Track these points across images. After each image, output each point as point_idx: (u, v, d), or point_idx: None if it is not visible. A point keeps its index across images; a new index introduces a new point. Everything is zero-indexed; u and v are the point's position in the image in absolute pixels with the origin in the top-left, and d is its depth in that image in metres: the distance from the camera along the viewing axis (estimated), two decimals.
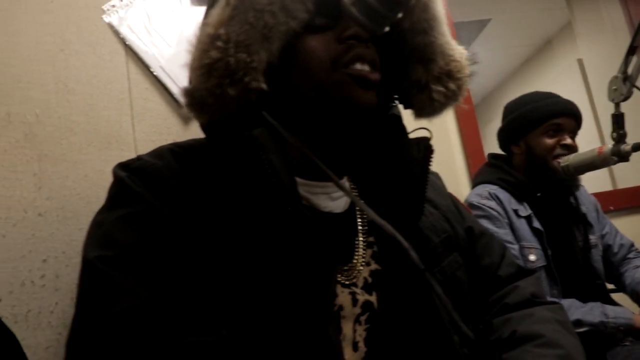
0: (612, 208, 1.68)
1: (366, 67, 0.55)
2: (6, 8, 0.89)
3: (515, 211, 1.18)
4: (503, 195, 1.20)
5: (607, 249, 1.30)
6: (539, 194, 1.20)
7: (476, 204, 1.17)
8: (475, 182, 1.29)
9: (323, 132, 0.57)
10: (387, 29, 0.51)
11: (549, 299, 0.74)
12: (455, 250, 0.67)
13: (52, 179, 0.88)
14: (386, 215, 0.55)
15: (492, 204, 1.17)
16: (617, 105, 0.94)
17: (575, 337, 0.61)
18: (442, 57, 0.62)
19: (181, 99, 0.57)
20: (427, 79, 0.62)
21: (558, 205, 1.21)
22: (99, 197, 0.90)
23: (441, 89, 0.62)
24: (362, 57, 0.55)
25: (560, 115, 1.24)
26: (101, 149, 0.93)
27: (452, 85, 0.62)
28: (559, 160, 1.19)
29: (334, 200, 0.61)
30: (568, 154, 1.19)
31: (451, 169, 1.51)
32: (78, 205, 0.89)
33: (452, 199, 0.76)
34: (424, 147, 0.62)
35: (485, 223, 1.13)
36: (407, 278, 0.58)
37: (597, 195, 1.43)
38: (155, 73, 1.00)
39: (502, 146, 1.34)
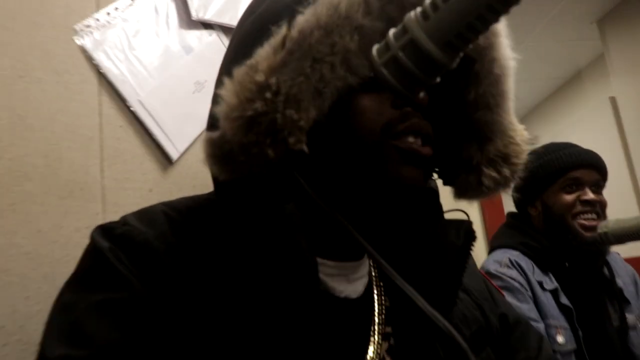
0: None
1: (419, 142, 0.51)
2: None
3: (540, 283, 1.08)
4: (526, 263, 1.10)
5: None
6: (567, 264, 1.10)
7: (495, 272, 1.07)
8: (494, 245, 1.20)
9: (355, 204, 0.53)
10: (422, 95, 0.49)
11: None
12: (488, 345, 0.61)
13: None
14: (409, 305, 0.50)
15: (514, 273, 1.07)
16: None
17: None
18: (501, 137, 0.59)
19: (205, 148, 0.50)
20: (479, 160, 0.58)
21: (589, 277, 1.11)
22: (54, 258, 0.78)
23: (494, 174, 0.58)
24: (417, 130, 0.51)
25: (579, 167, 1.16)
26: (61, 199, 0.81)
27: (506, 171, 0.59)
28: (583, 221, 1.10)
29: (351, 283, 0.56)
30: (592, 211, 1.10)
31: None
32: (26, 268, 0.76)
33: (485, 281, 0.70)
34: (465, 232, 0.57)
35: (505, 296, 1.02)
36: None
37: (634, 262, 1.32)
38: (132, 108, 0.89)
39: (518, 209, 1.25)
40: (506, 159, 0.59)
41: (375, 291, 0.59)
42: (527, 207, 1.22)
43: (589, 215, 1.12)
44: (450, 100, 0.53)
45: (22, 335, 0.74)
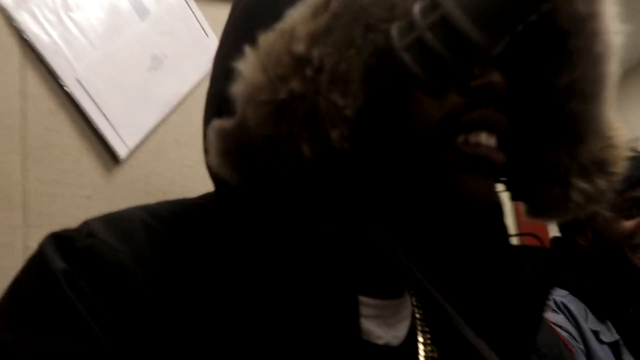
0: None
1: (492, 141, 0.42)
2: None
3: (596, 333, 0.89)
4: (577, 307, 0.91)
5: None
6: (631, 310, 0.89)
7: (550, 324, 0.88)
8: None
9: (402, 224, 0.44)
10: (498, 78, 0.40)
11: None
12: None
13: None
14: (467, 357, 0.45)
15: (560, 319, 0.88)
16: None
17: None
18: (597, 138, 0.47)
19: (212, 142, 0.39)
20: (568, 168, 0.48)
21: None
22: None
23: (586, 186, 0.48)
24: (489, 123, 0.41)
25: None
26: None
27: (601, 183, 0.48)
28: None
29: (392, 327, 0.47)
30: None
31: None
32: None
33: (555, 334, 0.66)
34: (542, 262, 0.51)
35: None
36: None
37: None
38: (66, 88, 0.73)
39: (564, 236, 1.05)
40: (602, 166, 0.48)
41: (421, 338, 0.50)
42: (576, 236, 1.02)
43: None
44: (534, 88, 0.45)
45: None
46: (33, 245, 0.36)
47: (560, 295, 0.93)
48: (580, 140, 0.47)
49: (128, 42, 0.76)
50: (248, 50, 0.37)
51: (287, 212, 0.42)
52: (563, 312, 0.90)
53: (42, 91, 0.71)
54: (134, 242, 0.40)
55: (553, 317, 0.88)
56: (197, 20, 0.84)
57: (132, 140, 0.75)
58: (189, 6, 0.83)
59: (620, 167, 0.48)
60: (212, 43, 0.86)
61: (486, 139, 0.42)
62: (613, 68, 0.44)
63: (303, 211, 0.41)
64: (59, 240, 0.38)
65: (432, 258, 0.48)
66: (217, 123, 0.38)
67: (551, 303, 0.91)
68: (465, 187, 0.41)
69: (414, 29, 0.35)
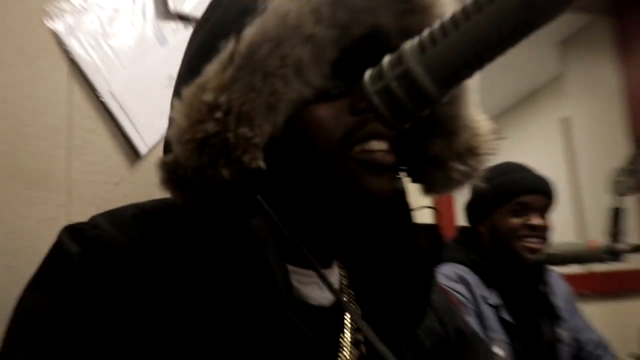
0: (585, 292, 1.65)
1: (382, 146, 0.50)
2: None
3: (484, 298, 1.17)
4: (473, 278, 1.19)
5: (576, 343, 1.33)
6: (511, 282, 1.19)
7: (442, 285, 1.15)
8: (443, 259, 1.27)
9: (319, 216, 0.54)
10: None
11: None
12: (446, 356, 0.65)
13: None
14: (380, 313, 0.54)
15: (460, 288, 1.16)
16: (619, 198, 0.95)
17: None
18: (466, 130, 0.58)
19: (159, 172, 0.48)
20: (447, 155, 0.58)
21: (527, 295, 1.22)
22: (16, 249, 0.78)
23: (462, 167, 0.58)
24: (378, 134, 0.49)
25: (529, 193, 1.25)
26: (25, 189, 0.81)
27: (473, 163, 0.59)
28: (527, 243, 1.20)
29: (322, 290, 0.56)
30: (536, 236, 1.20)
31: None
32: None
33: (444, 292, 0.74)
34: (434, 236, 0.58)
35: None
36: None
37: (569, 278, 1.43)
38: (103, 99, 0.89)
39: (469, 223, 1.33)
40: (472, 151, 0.59)
41: (346, 299, 0.60)
42: (477, 224, 1.31)
43: (534, 239, 1.22)
44: None
45: None
46: (74, 219, 0.49)
47: (462, 270, 1.21)
48: (453, 134, 0.57)
49: (151, 64, 0.94)
50: (176, 102, 0.46)
51: (223, 216, 0.50)
52: (463, 283, 1.18)
53: (83, 101, 0.87)
54: (127, 231, 0.49)
55: (455, 286, 1.16)
56: None
57: (151, 140, 0.93)
58: None
59: (487, 149, 0.59)
60: None
61: (378, 146, 0.49)
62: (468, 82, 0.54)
63: (235, 214, 0.48)
64: (73, 230, 0.49)
65: (347, 238, 0.57)
66: (161, 159, 0.48)
67: (455, 276, 1.20)
68: (364, 185, 0.50)
69: (382, 78, 0.43)
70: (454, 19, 0.40)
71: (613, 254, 0.92)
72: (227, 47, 0.45)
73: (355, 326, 0.58)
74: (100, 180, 0.89)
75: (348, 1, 0.47)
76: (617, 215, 0.93)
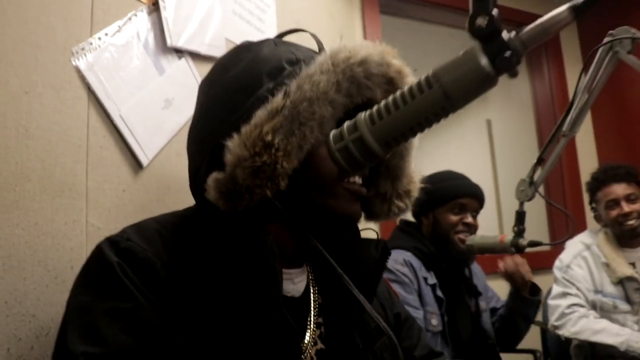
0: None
1: (359, 181, 0.71)
2: None
3: (425, 279, 1.45)
4: (416, 263, 1.48)
5: (494, 312, 1.68)
6: (444, 266, 1.48)
7: (391, 268, 1.42)
8: (390, 246, 1.55)
9: (313, 228, 0.72)
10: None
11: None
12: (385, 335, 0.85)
13: (1, 227, 0.91)
14: (337, 302, 0.73)
15: (406, 270, 1.44)
16: (521, 204, 1.24)
17: None
18: (406, 177, 0.80)
19: (212, 186, 0.66)
20: (391, 194, 0.80)
21: (456, 277, 1.51)
22: (47, 246, 0.97)
23: (401, 204, 0.80)
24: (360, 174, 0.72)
25: (466, 196, 1.55)
26: (54, 197, 0.99)
27: (407, 202, 0.81)
28: (461, 236, 1.48)
29: (295, 284, 0.76)
30: (468, 231, 1.50)
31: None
32: (25, 254, 0.94)
33: (387, 285, 0.97)
34: (382, 248, 0.79)
35: (396, 287, 1.38)
36: (347, 357, 0.75)
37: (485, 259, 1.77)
38: (114, 122, 1.08)
39: (414, 215, 1.62)
40: (408, 193, 0.80)
41: (312, 290, 0.79)
42: (421, 216, 1.60)
43: (466, 234, 1.54)
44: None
45: (20, 309, 0.92)
46: (90, 220, 0.67)
47: (408, 256, 1.50)
48: (397, 179, 0.78)
49: (151, 91, 1.14)
50: (235, 135, 0.63)
51: (247, 226, 0.66)
52: (408, 266, 1.47)
53: (99, 123, 1.05)
54: (153, 243, 0.64)
55: (402, 269, 1.44)
56: (193, 74, 1.25)
57: (151, 154, 1.13)
58: (189, 65, 1.24)
59: (416, 194, 0.81)
60: None
61: (357, 180, 0.70)
62: (414, 142, 0.78)
63: (256, 226, 0.65)
64: (111, 242, 0.64)
65: (326, 244, 0.71)
66: (214, 175, 0.64)
67: (402, 261, 1.47)
68: (350, 210, 0.71)
69: (342, 139, 0.62)
70: (394, 101, 0.60)
71: (517, 248, 1.20)
72: (276, 99, 0.64)
73: (317, 311, 0.77)
74: (111, 188, 1.08)
75: (359, 80, 0.68)
76: (520, 217, 1.23)
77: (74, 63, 1.03)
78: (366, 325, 0.80)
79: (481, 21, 0.56)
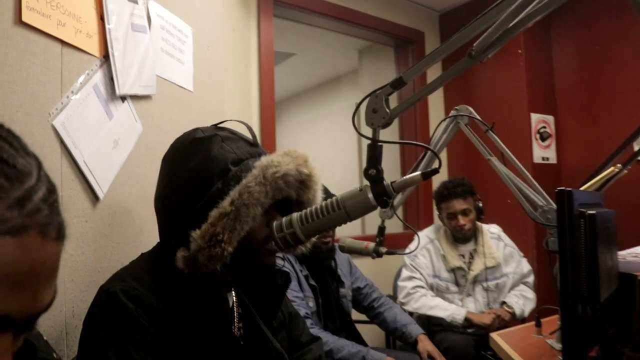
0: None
1: (274, 246, 1.16)
2: None
3: (301, 271, 2.01)
4: (292, 258, 2.01)
5: (358, 290, 2.35)
6: (313, 260, 2.06)
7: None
8: None
9: (244, 273, 1.19)
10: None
11: (317, 330, 1.72)
12: (283, 329, 1.40)
13: None
14: (256, 309, 1.20)
15: (288, 265, 1.96)
16: (382, 221, 1.76)
17: None
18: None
19: (180, 259, 1.08)
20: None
21: (324, 269, 2.09)
22: None
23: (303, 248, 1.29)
24: None
25: None
26: None
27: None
28: (324, 240, 2.06)
29: (229, 301, 1.24)
30: (330, 236, 2.08)
31: None
32: None
33: (287, 302, 1.50)
34: (285, 278, 1.26)
35: None
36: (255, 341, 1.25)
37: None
38: (80, 167, 1.35)
39: None
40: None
41: (235, 305, 1.24)
42: None
43: (329, 238, 2.13)
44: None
45: None
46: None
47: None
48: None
49: (104, 135, 1.41)
50: (196, 231, 1.03)
51: (207, 276, 1.09)
52: (288, 261, 2.00)
53: (68, 170, 1.31)
54: (149, 288, 1.03)
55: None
56: (133, 114, 1.53)
57: (105, 188, 1.43)
58: (130, 108, 1.52)
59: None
60: (139, 127, 1.57)
61: (272, 245, 1.13)
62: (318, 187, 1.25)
63: (213, 279, 1.12)
64: (123, 292, 1.00)
65: (249, 280, 1.19)
66: (182, 253, 1.06)
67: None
68: (270, 262, 1.17)
69: (282, 231, 1.05)
70: (316, 212, 1.06)
71: (377, 253, 1.74)
72: (224, 205, 1.04)
73: (239, 315, 1.24)
74: (78, 221, 1.37)
75: (280, 187, 1.11)
76: (381, 231, 1.75)
77: (50, 122, 1.27)
78: (271, 324, 1.30)
79: (372, 171, 1.04)
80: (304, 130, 5.25)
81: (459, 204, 2.70)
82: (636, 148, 2.04)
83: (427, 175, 1.02)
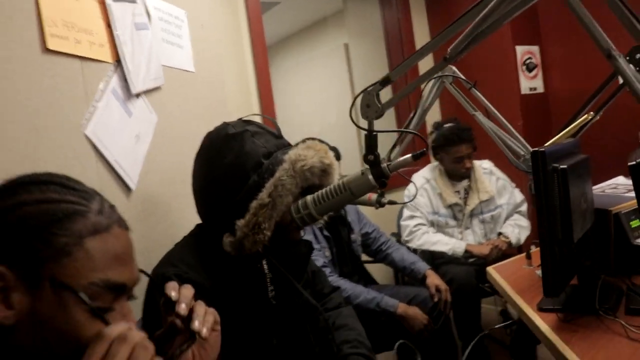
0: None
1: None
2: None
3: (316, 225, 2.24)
4: None
5: (367, 235, 2.61)
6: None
7: None
8: None
9: (272, 245, 1.43)
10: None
11: (335, 278, 2.05)
12: (309, 287, 1.67)
13: None
14: (285, 273, 1.48)
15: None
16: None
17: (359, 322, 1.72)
18: None
19: (227, 243, 1.35)
20: None
21: (335, 217, 2.33)
22: None
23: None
24: None
25: None
26: None
27: None
28: None
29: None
30: None
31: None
32: None
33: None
34: (308, 247, 1.54)
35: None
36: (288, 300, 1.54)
37: None
38: (112, 165, 1.55)
39: None
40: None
41: (267, 272, 1.53)
42: None
43: None
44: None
45: None
46: None
47: None
48: None
49: (128, 132, 1.60)
50: (241, 221, 1.28)
51: (248, 256, 1.34)
52: None
53: (102, 169, 1.51)
54: (199, 271, 1.30)
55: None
56: (148, 108, 1.70)
57: (135, 180, 1.63)
58: (145, 102, 1.69)
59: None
60: (154, 118, 1.73)
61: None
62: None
63: (252, 257, 1.36)
64: (177, 275, 1.25)
65: (282, 251, 1.46)
66: (229, 238, 1.31)
67: None
68: (296, 235, 1.44)
69: (299, 213, 1.32)
70: (327, 194, 1.32)
71: (380, 204, 1.96)
72: (262, 196, 1.28)
73: (270, 280, 1.51)
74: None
75: (307, 177, 1.34)
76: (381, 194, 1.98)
77: (83, 132, 1.45)
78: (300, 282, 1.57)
79: (371, 157, 1.26)
80: (294, 75, 5.36)
81: (466, 148, 2.87)
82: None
83: (417, 156, 1.24)
